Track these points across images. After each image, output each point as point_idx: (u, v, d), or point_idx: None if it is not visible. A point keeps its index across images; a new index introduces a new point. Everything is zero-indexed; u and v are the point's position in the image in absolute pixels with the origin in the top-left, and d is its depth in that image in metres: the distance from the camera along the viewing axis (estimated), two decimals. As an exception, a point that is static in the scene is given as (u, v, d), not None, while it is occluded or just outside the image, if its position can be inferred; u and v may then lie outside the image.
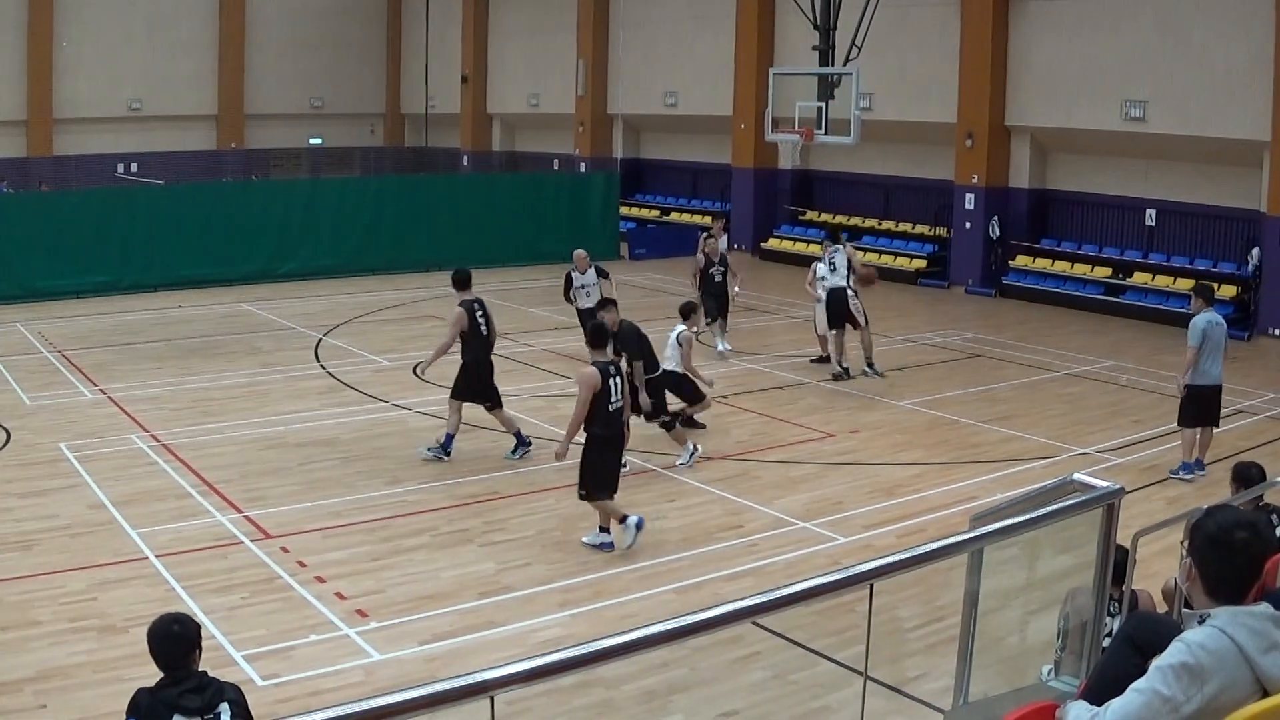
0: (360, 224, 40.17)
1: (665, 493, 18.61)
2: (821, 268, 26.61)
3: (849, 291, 25.75)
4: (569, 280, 27.24)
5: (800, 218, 46.04)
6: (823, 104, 33.87)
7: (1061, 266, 37.45)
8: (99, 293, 35.65)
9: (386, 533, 16.92)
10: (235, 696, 7.39)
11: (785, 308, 34.02)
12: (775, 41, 45.35)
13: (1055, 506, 6.77)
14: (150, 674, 7.44)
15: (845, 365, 25.91)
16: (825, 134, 33.78)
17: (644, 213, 52.56)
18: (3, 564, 15.98)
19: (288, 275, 38.57)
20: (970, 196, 39.05)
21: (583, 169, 52.70)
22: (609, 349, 16.98)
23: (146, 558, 16.05)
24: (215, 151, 61.90)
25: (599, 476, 16.39)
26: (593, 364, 16.40)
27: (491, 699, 4.75)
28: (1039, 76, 37.25)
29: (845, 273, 26.09)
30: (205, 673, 7.39)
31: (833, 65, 34.25)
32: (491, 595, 14.66)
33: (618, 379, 16.39)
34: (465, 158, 61.26)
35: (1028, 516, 6.60)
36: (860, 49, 34.06)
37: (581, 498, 16.54)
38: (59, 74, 58.02)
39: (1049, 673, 8.22)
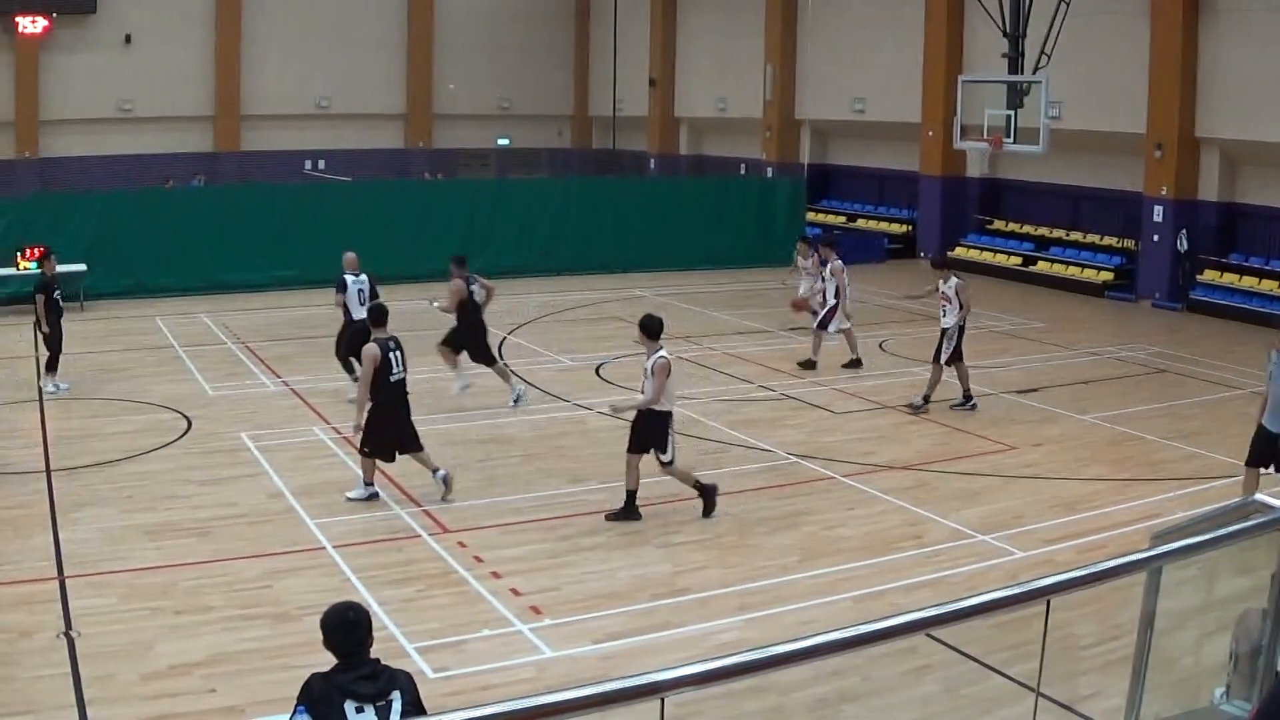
0: (546, 225, 40.41)
1: (845, 501, 18.56)
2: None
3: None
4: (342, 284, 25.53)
5: (988, 227, 45.62)
6: (1012, 112, 33.65)
7: (1250, 282, 36.72)
8: (283, 287, 36.18)
9: (565, 531, 17.09)
10: (407, 685, 7.47)
11: (971, 317, 33.65)
12: (964, 48, 44.94)
13: (1236, 527, 6.71)
14: (320, 663, 7.56)
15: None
16: (1014, 142, 33.55)
17: (830, 219, 52.33)
18: (180, 549, 16.35)
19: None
20: (1159, 209, 38.43)
21: (769, 174, 52.60)
22: (388, 327, 18.31)
23: (323, 548, 16.36)
24: (403, 150, 62.55)
25: (381, 440, 18.06)
26: (374, 340, 18.03)
27: (663, 700, 4.82)
28: (1230, 88, 36.51)
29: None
30: (378, 660, 7.49)
31: (1022, 73, 33.99)
32: (667, 597, 14.74)
33: (398, 353, 18.10)
34: (652, 161, 61.31)
35: (1208, 536, 6.55)
36: (1049, 57, 33.78)
37: (362, 454, 18.23)
38: (247, 70, 59.03)
39: (1221, 696, 8.12)
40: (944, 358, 23.80)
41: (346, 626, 7.49)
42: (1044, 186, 43.63)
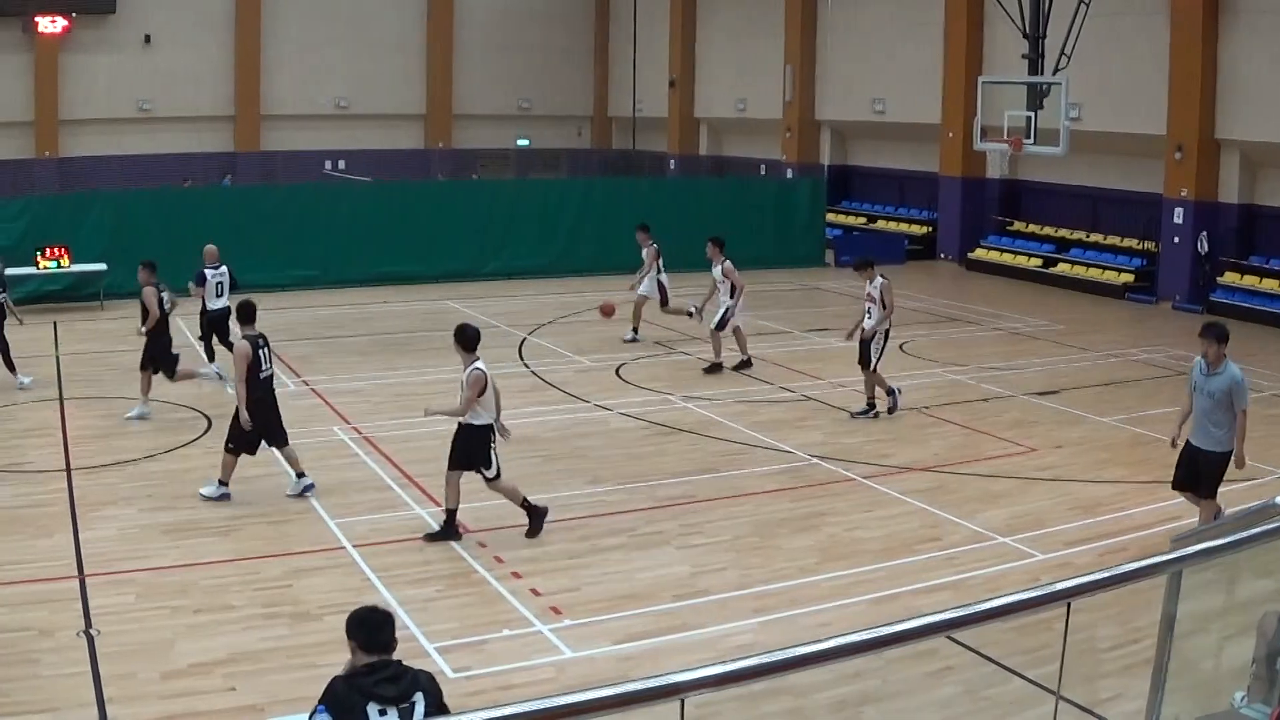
0: (566, 225, 40.43)
1: (864, 502, 18.54)
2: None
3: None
4: (202, 276, 26.35)
5: (1008, 228, 45.55)
6: (1031, 113, 33.60)
7: (1270, 284, 36.58)
8: (304, 286, 36.27)
9: (584, 531, 17.11)
10: (429, 686, 7.48)
11: (989, 319, 33.67)
12: (984, 49, 44.87)
13: (1257, 530, 6.68)
14: (342, 663, 7.60)
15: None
16: (1034, 144, 33.49)
17: (850, 220, 52.30)
18: (201, 548, 16.41)
19: (492, 274, 38.98)
20: (1179, 210, 38.33)
21: (789, 175, 52.56)
22: (256, 324, 18.61)
23: (344, 547, 16.42)
24: (422, 150, 62.62)
25: (244, 436, 18.20)
26: (244, 337, 18.39)
27: (682, 701, 4.82)
28: (1250, 90, 36.37)
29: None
30: (400, 661, 7.50)
31: (1042, 74, 33.94)
32: (686, 598, 14.74)
33: (266, 350, 18.45)
34: (672, 162, 61.32)
35: (1229, 539, 6.52)
36: (1069, 58, 33.71)
37: (227, 450, 18.32)
38: (266, 71, 59.20)
39: (1242, 699, 8.11)
40: (874, 363, 23.25)
41: (369, 624, 7.51)
42: (1064, 188, 43.55)
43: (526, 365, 27.17)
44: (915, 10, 47.73)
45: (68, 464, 20.26)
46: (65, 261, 34.59)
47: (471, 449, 16.65)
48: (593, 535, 16.97)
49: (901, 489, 19.10)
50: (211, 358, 25.61)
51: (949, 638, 11.76)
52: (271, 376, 18.70)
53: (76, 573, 15.63)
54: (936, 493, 18.98)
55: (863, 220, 52.15)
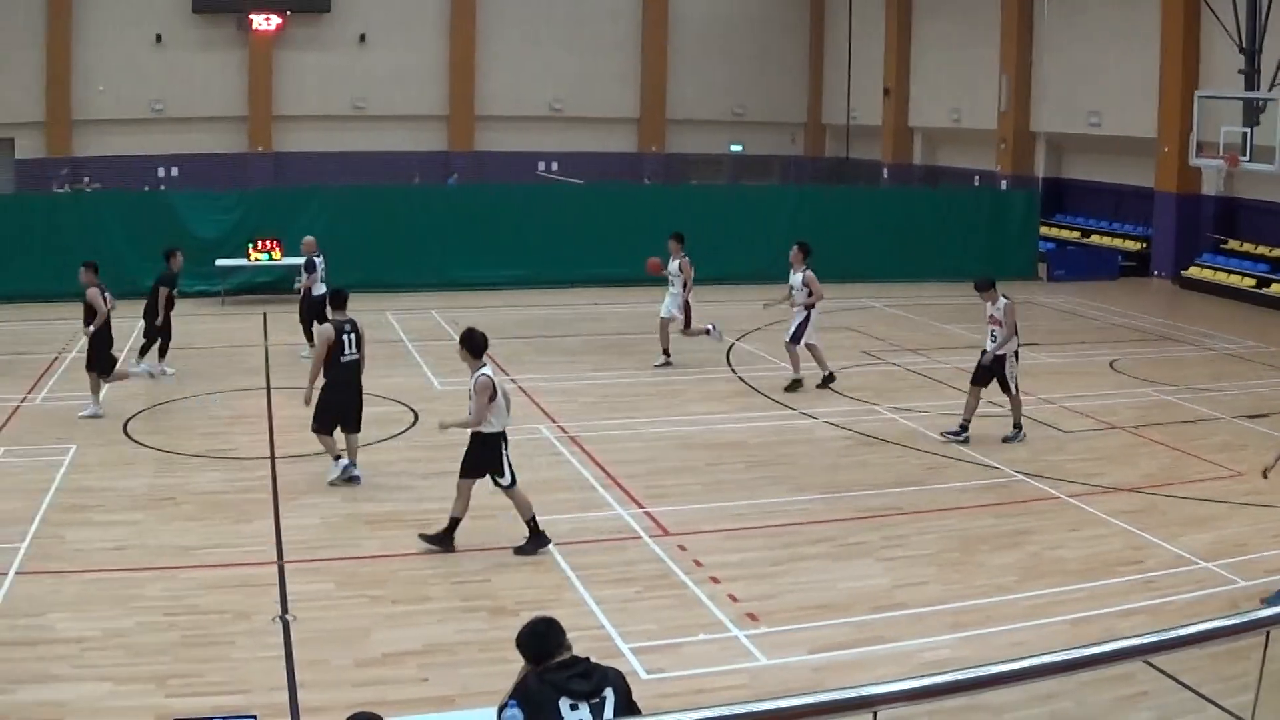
0: (777, 232, 40.20)
1: (1068, 521, 18.22)
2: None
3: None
4: (311, 264, 28.50)
5: (1222, 247, 44.61)
6: (1248, 129, 32.95)
7: None
8: (515, 286, 36.57)
9: (786, 539, 17.03)
10: (619, 682, 7.51)
11: (1201, 339, 33.02)
12: (1201, 62, 43.92)
13: None
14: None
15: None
16: (1250, 161, 32.85)
17: (1064, 234, 51.45)
18: (400, 540, 16.64)
19: (702, 279, 38.88)
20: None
21: (1003, 186, 51.97)
22: (347, 311, 19.46)
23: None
24: (635, 154, 62.78)
25: (325, 415, 19.05)
26: (331, 322, 19.25)
27: (875, 714, 4.79)
28: None
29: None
30: (590, 659, 7.54)
31: (1258, 90, 33.28)
32: (884, 610, 14.62)
33: (353, 336, 19.20)
34: (885, 170, 60.90)
35: None
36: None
37: (313, 430, 19.12)
38: (481, 71, 59.72)
39: None
40: (1013, 388, 22.30)
41: (539, 637, 7.57)
42: (1281, 207, 42.59)
43: (734, 371, 27.13)
44: (1131, 21, 46.80)
45: (272, 452, 20.66)
46: (277, 255, 35.26)
47: (481, 458, 16.40)
48: (794, 543, 16.89)
49: (1106, 509, 18.73)
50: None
51: (1146, 662, 11.57)
52: (356, 362, 19.34)
53: (276, 559, 15.95)
54: (1141, 514, 18.59)
55: (1076, 234, 51.32)
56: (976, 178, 55.50)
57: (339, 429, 19.29)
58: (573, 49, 60.52)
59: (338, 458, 19.25)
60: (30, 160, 57.01)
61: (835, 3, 63.95)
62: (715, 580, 15.33)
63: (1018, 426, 22.37)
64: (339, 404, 19.15)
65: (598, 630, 13.48)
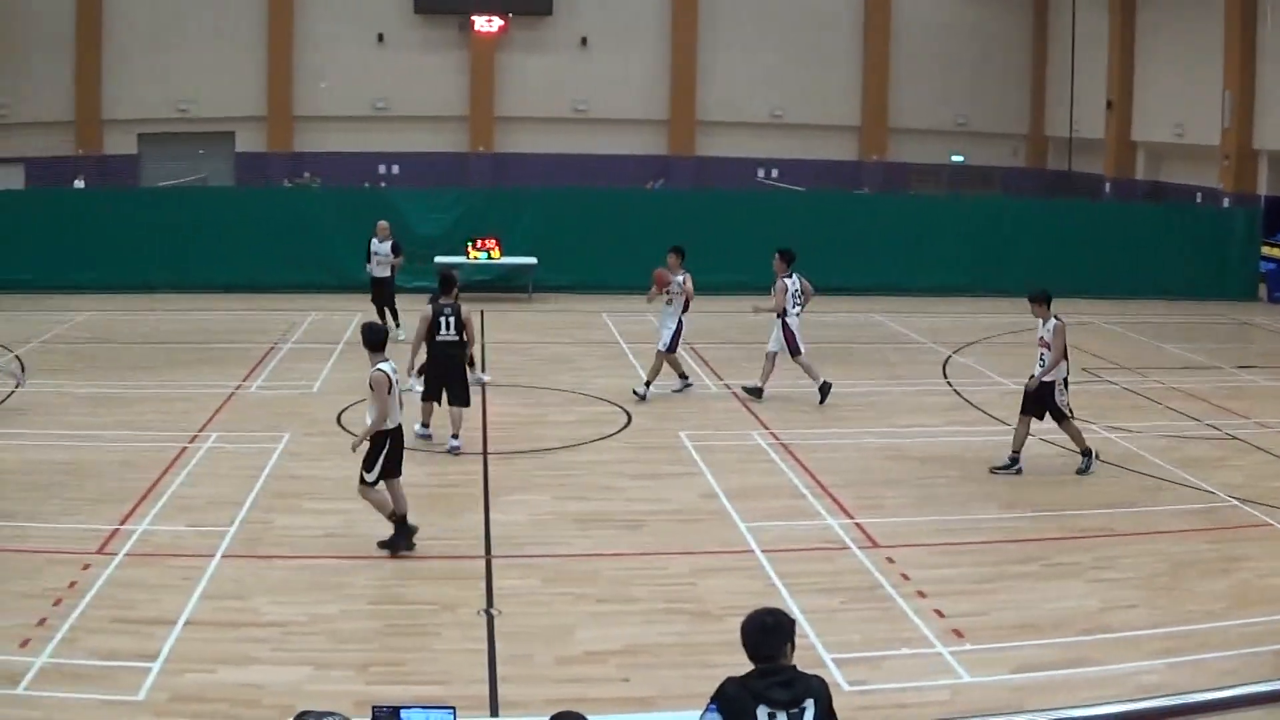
0: (997, 245, 39.76)
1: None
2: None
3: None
4: (369, 247, 30.14)
5: None
6: None
7: None
8: (731, 291, 36.39)
9: (994, 556, 16.79)
10: (821, 692, 7.41)
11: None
12: None
13: None
14: (736, 664, 7.55)
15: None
16: None
17: (1285, 255, 50.33)
18: (608, 539, 16.71)
19: (919, 289, 38.58)
20: None
21: (1225, 204, 50.88)
22: (452, 295, 21.00)
23: (751, 551, 16.44)
24: (855, 162, 62.39)
25: (431, 386, 21.02)
26: (431, 303, 21.19)
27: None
28: None
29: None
30: (794, 667, 7.45)
31: None
32: (1091, 633, 14.28)
33: (452, 318, 20.66)
34: (1107, 185, 59.93)
35: None
36: None
37: (421, 398, 21.24)
38: (702, 77, 59.67)
39: None
40: (1066, 411, 20.65)
41: (764, 631, 7.47)
42: None
43: (950, 384, 26.86)
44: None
45: (485, 448, 20.83)
46: (496, 254, 35.58)
47: (392, 454, 16.23)
48: (1003, 561, 16.63)
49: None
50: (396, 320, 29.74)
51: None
52: (453, 342, 20.77)
53: (484, 553, 16.07)
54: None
55: (1299, 256, 50.14)
56: (1199, 195, 54.39)
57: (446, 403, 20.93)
58: (794, 56, 60.21)
59: (425, 424, 21.32)
60: (251, 154, 58.25)
61: (1058, 14, 62.98)
62: (922, 595, 15.14)
63: (1086, 454, 20.82)
64: (437, 378, 20.93)
65: (801, 640, 13.34)
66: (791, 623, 7.56)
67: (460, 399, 20.89)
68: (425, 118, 57.98)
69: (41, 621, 13.93)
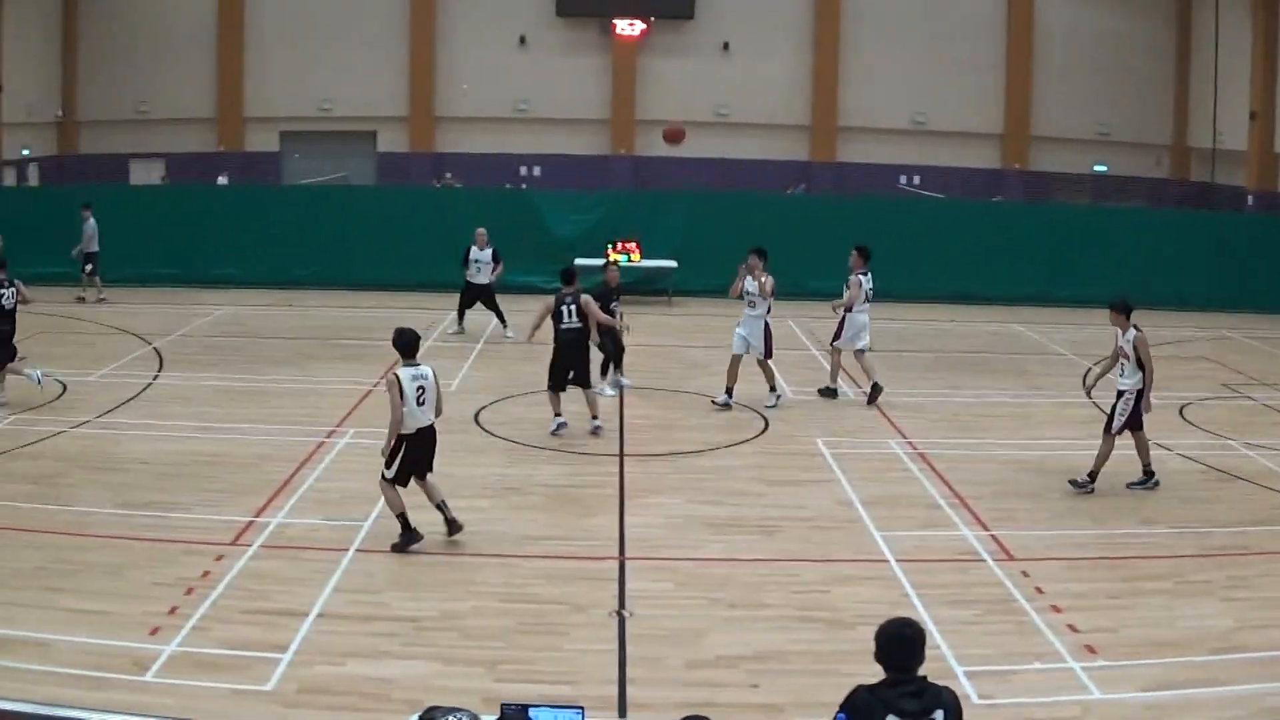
0: (1138, 256, 39.21)
1: None
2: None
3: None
4: (467, 253, 31.24)
5: None
6: None
7: None
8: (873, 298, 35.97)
9: (1128, 572, 16.57)
10: (952, 704, 7.40)
11: None
12: None
13: None
14: (867, 673, 7.56)
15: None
16: None
17: None
18: (742, 545, 16.75)
19: (1061, 300, 38.09)
20: None
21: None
22: (574, 286, 22.45)
23: (886, 560, 16.39)
24: (997, 170, 61.85)
25: (554, 375, 22.15)
26: (555, 295, 22.35)
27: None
28: None
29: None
30: (925, 678, 7.43)
31: None
32: (1224, 652, 14.06)
33: (573, 306, 21.95)
34: (1250, 198, 59.05)
35: None
36: None
37: (549, 389, 22.21)
38: (844, 83, 59.29)
39: None
40: (1115, 427, 20.15)
41: (901, 642, 7.47)
42: None
43: (1090, 398, 26.58)
44: None
45: (621, 450, 20.89)
46: (636, 256, 35.63)
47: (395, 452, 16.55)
48: (1136, 577, 16.40)
49: None
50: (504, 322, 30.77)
51: None
52: (574, 329, 21.96)
53: (617, 554, 16.12)
54: None
55: None
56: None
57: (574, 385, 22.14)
58: (936, 63, 59.69)
59: (558, 414, 22.06)
60: (393, 154, 58.85)
61: (1201, 22, 62.09)
62: (1056, 609, 14.99)
63: (1092, 476, 20.07)
64: (562, 366, 22.01)
65: (933, 650, 13.24)
66: (924, 635, 7.55)
67: (584, 380, 22.17)
68: (566, 120, 58.23)
69: (172, 610, 14.23)
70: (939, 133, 60.13)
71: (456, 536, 16.49)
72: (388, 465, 16.42)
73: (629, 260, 35.56)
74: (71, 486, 19.19)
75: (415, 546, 16.25)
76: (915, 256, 37.02)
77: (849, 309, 25.37)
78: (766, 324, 24.49)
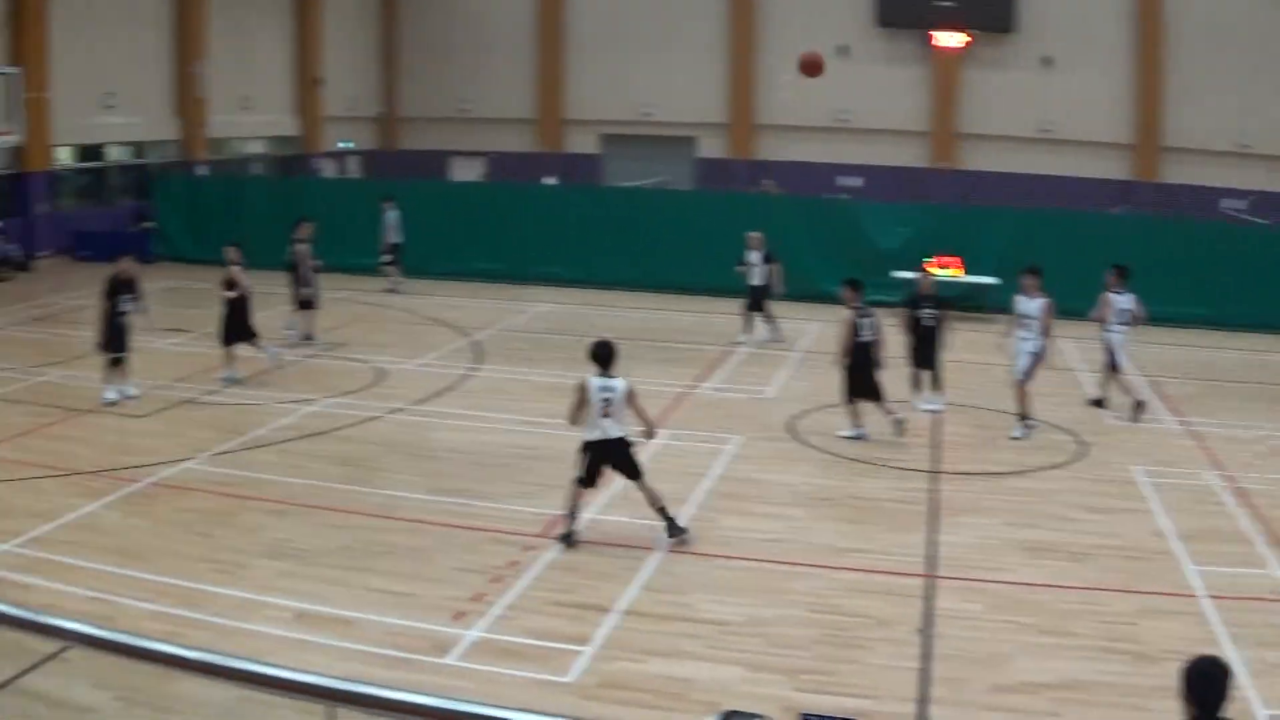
0: None
1: None
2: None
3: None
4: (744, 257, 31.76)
5: None
6: None
7: None
8: (1187, 323, 34.87)
9: None
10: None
11: None
12: None
13: None
14: (1172, 710, 7.51)
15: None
16: None
17: None
18: (1054, 571, 16.48)
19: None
20: None
21: None
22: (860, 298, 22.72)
23: (1196, 596, 15.93)
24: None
25: (851, 388, 22.51)
26: (850, 308, 22.62)
27: None
28: None
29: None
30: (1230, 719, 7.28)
31: None
32: None
33: (870, 320, 22.47)
34: None
35: None
36: None
37: (843, 401, 22.65)
38: (1169, 101, 57.80)
39: None
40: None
41: (1208, 680, 7.34)
42: None
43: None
44: None
45: (936, 467, 20.68)
46: (957, 272, 35.23)
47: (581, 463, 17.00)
48: None
49: None
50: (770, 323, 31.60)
51: None
52: (871, 343, 22.37)
53: (926, 572, 15.97)
54: None
55: None
56: None
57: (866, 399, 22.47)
58: (1266, 82, 57.98)
59: (858, 426, 22.40)
60: (712, 159, 59.36)
61: None
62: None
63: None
64: (858, 379, 22.37)
65: (1240, 692, 12.97)
66: (1231, 673, 7.39)
67: (879, 395, 22.48)
68: (886, 131, 58.18)
69: (478, 596, 14.67)
70: (1268, 156, 58.27)
71: (765, 541, 16.59)
72: (578, 468, 16.88)
73: (950, 276, 35.06)
74: (383, 470, 19.96)
75: (578, 540, 16.66)
76: (1241, 283, 35.91)
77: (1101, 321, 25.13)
78: (1038, 347, 23.60)
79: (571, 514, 16.81)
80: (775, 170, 56.70)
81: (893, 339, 24.07)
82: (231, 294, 25.48)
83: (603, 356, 16.77)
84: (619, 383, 16.67)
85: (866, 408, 22.44)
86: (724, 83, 59.53)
